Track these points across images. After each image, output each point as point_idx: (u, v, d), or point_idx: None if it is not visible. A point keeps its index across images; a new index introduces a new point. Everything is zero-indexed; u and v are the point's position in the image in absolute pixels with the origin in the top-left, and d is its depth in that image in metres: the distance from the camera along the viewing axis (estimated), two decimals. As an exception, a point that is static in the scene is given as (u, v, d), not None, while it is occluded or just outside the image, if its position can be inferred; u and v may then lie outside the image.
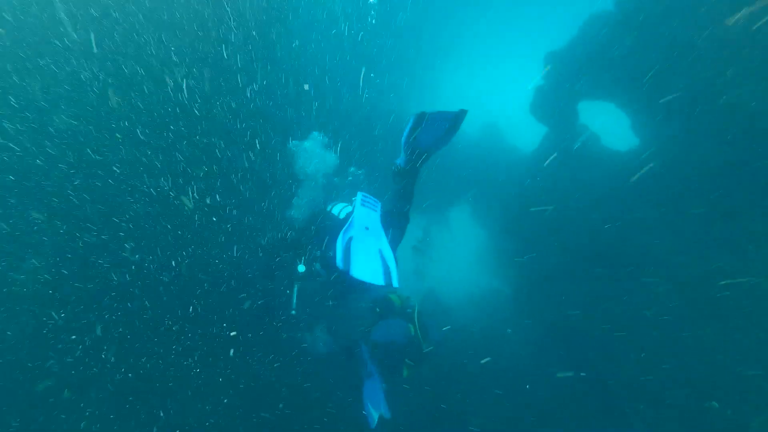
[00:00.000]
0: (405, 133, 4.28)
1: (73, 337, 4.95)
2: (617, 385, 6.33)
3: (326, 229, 4.84)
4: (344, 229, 4.15)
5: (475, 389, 7.42)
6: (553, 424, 6.75)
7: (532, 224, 8.73)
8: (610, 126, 8.98)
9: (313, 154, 6.77)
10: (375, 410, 5.17)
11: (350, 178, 7.52)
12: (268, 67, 7.25)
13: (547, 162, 8.31)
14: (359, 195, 4.45)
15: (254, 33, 6.93)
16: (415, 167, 4.49)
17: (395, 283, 3.93)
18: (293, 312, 5.04)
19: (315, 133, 6.99)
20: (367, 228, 4.24)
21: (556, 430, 6.68)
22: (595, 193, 7.63)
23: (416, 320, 5.73)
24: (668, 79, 6.49)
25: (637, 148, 7.52)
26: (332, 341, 6.15)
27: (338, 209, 5.07)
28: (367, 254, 4.05)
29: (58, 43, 5.05)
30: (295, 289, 5.02)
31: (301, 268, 4.86)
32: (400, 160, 4.50)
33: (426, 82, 13.03)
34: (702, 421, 5.36)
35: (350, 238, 4.10)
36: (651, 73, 6.62)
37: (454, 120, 4.20)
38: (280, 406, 5.89)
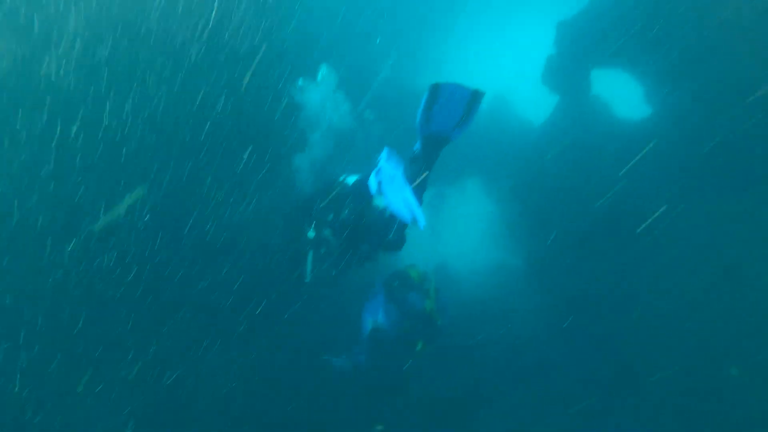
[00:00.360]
0: (420, 111, 4.14)
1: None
2: (633, 354, 6.31)
3: (341, 194, 4.81)
4: (374, 172, 4.24)
5: (488, 366, 7.45)
6: (569, 397, 6.79)
7: (544, 196, 8.62)
8: (623, 94, 8.76)
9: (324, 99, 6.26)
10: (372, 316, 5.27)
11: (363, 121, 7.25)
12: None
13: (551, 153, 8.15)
14: (386, 149, 4.38)
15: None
16: (431, 157, 4.38)
17: (422, 223, 3.96)
18: (307, 280, 5.00)
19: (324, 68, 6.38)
20: (393, 178, 4.20)
21: (571, 402, 6.72)
22: (609, 163, 7.49)
23: (433, 297, 5.74)
24: (683, 44, 6.32)
25: (651, 116, 7.37)
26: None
27: (352, 180, 4.98)
28: (396, 195, 4.08)
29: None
30: (309, 256, 4.95)
31: (311, 233, 4.82)
32: (417, 147, 4.38)
33: (429, 54, 12.67)
34: (721, 388, 5.34)
35: (380, 182, 4.16)
36: (665, 38, 6.44)
37: (471, 99, 4.06)
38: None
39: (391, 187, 4.12)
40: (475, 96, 4.07)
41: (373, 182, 4.28)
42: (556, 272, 8.20)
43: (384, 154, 4.33)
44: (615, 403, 6.50)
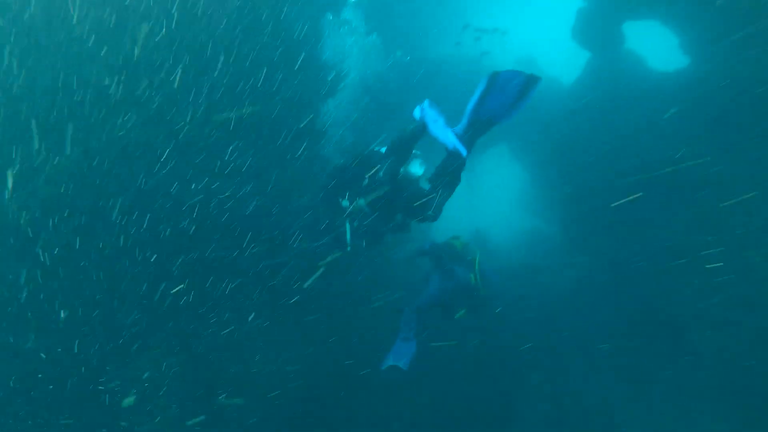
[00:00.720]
0: (474, 99, 4.08)
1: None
2: (679, 314, 6.20)
3: (375, 158, 4.82)
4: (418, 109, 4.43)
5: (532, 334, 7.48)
6: (616, 358, 6.77)
7: (577, 159, 8.43)
8: (657, 46, 8.40)
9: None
10: (393, 360, 5.23)
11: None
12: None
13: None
14: (426, 101, 4.45)
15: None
16: (472, 139, 4.32)
17: (464, 153, 4.15)
18: (348, 249, 5.01)
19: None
20: (435, 120, 4.34)
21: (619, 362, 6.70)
22: (644, 120, 7.25)
23: (477, 270, 5.84)
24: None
25: (687, 68, 7.06)
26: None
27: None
28: (438, 129, 4.30)
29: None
30: (348, 226, 4.93)
31: (345, 203, 4.81)
32: (460, 129, 4.30)
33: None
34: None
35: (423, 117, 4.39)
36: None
37: (525, 84, 3.95)
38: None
39: (434, 125, 4.29)
40: (530, 81, 3.95)
41: (416, 113, 4.44)
42: (591, 236, 8.08)
43: (425, 103, 4.41)
44: (655, 367, 6.47)
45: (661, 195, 6.69)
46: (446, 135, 4.22)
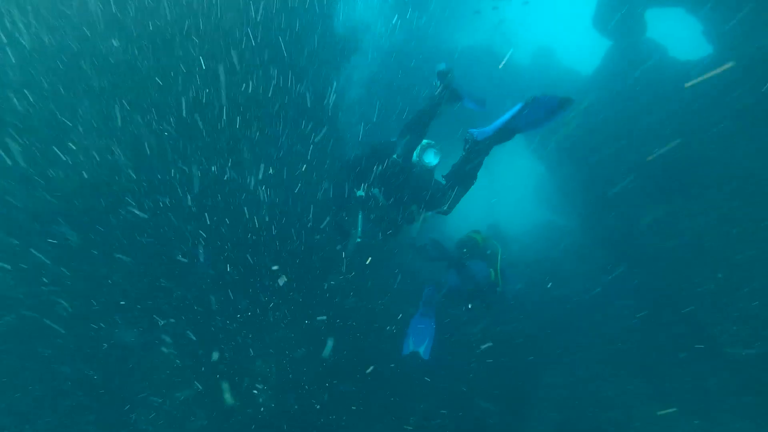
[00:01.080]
0: (507, 116, 4.11)
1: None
2: (700, 307, 6.05)
3: (388, 148, 4.86)
4: None
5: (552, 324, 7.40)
6: (636, 352, 6.65)
7: (594, 151, 8.26)
8: (680, 34, 8.19)
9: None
10: (414, 345, 5.37)
11: None
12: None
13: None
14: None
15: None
16: (491, 145, 4.39)
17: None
18: (358, 240, 5.05)
19: None
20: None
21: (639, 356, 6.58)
22: (666, 109, 7.07)
23: (498, 266, 5.85)
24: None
25: (711, 55, 6.85)
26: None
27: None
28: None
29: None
30: (360, 216, 4.97)
31: (360, 192, 4.82)
32: (481, 135, 4.32)
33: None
34: None
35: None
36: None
37: (558, 105, 4.01)
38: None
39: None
40: (564, 103, 4.00)
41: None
42: (609, 230, 7.93)
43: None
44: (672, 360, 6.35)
45: (682, 186, 6.56)
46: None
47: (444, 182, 4.65)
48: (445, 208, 4.63)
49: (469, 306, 5.73)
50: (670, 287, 6.55)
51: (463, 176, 4.54)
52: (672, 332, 6.52)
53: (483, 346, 6.59)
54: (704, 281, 6.06)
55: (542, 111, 4.07)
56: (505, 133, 4.26)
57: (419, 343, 5.44)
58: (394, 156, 4.62)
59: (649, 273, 6.95)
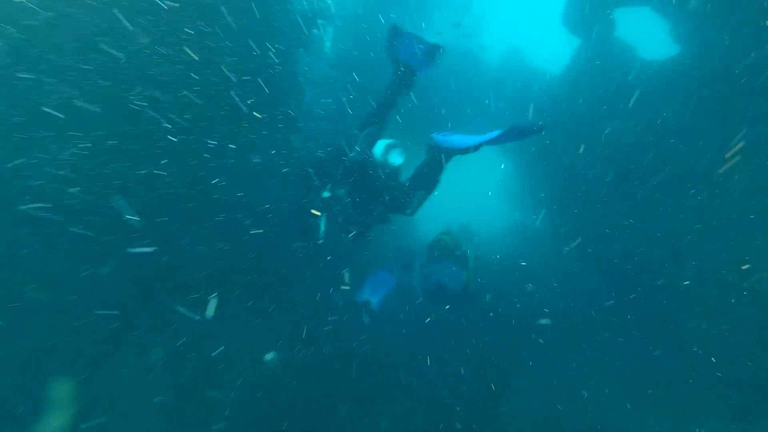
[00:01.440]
0: (478, 141, 4.13)
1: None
2: (673, 304, 6.04)
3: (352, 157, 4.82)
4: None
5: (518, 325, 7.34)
6: (609, 351, 6.63)
7: (564, 152, 8.26)
8: (648, 33, 8.25)
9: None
10: (368, 293, 5.53)
11: None
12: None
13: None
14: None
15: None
16: (454, 155, 4.54)
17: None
18: (320, 241, 5.00)
19: None
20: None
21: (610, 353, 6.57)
22: (632, 109, 7.08)
23: (470, 267, 5.94)
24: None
25: (677, 56, 6.90)
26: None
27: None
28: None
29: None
30: (323, 218, 4.93)
31: (326, 194, 4.79)
32: (445, 144, 4.41)
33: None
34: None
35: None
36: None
37: (530, 131, 4.19)
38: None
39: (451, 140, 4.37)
40: (535, 129, 4.13)
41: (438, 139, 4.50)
42: (578, 230, 7.93)
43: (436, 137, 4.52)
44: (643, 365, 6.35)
45: (652, 185, 6.56)
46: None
47: (408, 184, 4.67)
48: (408, 211, 4.68)
49: (446, 307, 5.85)
50: (642, 285, 6.55)
51: (426, 180, 4.61)
52: (645, 331, 6.54)
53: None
54: (676, 279, 6.06)
55: (515, 137, 4.15)
56: (470, 150, 4.31)
57: (374, 293, 5.54)
58: (352, 154, 4.61)
59: (621, 272, 6.95)
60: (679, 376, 5.94)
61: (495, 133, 3.99)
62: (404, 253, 6.65)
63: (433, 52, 4.62)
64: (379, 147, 4.77)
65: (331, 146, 5.02)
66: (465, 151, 4.30)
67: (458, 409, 6.28)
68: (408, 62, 4.74)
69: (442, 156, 4.52)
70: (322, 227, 4.92)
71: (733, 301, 5.34)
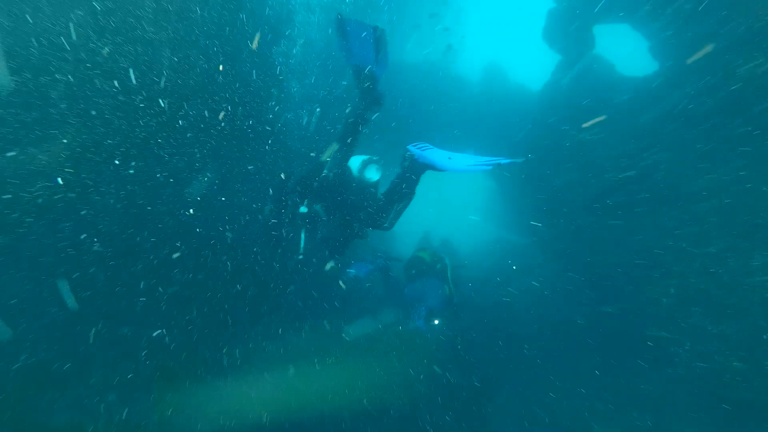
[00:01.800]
0: (459, 169, 4.27)
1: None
2: (655, 322, 5.97)
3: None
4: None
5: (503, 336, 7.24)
6: (590, 366, 6.54)
7: (545, 168, 8.23)
8: (627, 50, 8.33)
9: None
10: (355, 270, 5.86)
11: None
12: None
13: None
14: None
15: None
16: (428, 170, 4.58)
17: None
18: (300, 257, 4.97)
19: None
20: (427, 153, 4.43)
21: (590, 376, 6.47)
22: (611, 126, 7.09)
23: (450, 279, 5.94)
24: None
25: (655, 73, 6.94)
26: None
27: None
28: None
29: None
30: (303, 233, 4.91)
31: (303, 209, 4.76)
32: (421, 159, 4.46)
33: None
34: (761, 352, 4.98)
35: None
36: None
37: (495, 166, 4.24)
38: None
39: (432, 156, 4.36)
40: (498, 166, 4.19)
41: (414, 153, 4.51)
42: (563, 245, 7.87)
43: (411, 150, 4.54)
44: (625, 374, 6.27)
45: (633, 201, 6.53)
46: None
47: (383, 202, 4.67)
48: (386, 225, 4.63)
49: (435, 322, 5.74)
50: (625, 302, 6.48)
51: (402, 193, 4.58)
52: (627, 346, 6.45)
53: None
54: (658, 296, 6.01)
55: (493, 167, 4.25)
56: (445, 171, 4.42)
57: (360, 270, 5.79)
58: (325, 171, 4.59)
59: (603, 288, 6.89)
60: (660, 392, 5.87)
61: (474, 167, 4.12)
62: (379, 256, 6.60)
63: (380, 36, 4.59)
64: (355, 163, 4.76)
65: (307, 161, 4.93)
66: (440, 170, 4.33)
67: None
68: (362, 56, 4.67)
69: (417, 170, 4.50)
70: (302, 243, 4.88)
71: (709, 320, 5.30)
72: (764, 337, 4.91)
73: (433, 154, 4.36)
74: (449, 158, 4.26)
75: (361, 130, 4.71)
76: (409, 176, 4.52)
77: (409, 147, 4.47)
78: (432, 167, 4.37)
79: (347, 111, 4.86)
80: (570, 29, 7.60)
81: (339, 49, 4.76)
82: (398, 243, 12.40)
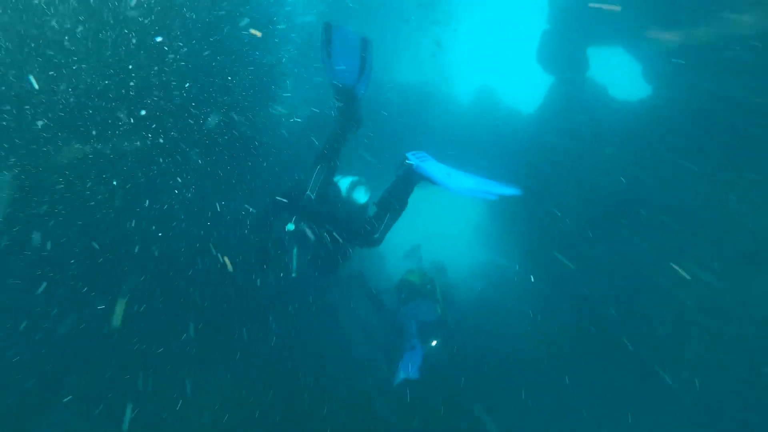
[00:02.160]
0: (456, 190, 4.17)
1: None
2: (653, 354, 5.78)
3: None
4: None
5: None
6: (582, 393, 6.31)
7: (536, 193, 8.11)
8: (621, 73, 8.33)
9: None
10: (404, 373, 5.15)
11: None
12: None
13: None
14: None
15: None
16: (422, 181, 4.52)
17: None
18: (293, 275, 4.85)
19: None
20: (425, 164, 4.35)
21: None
22: (603, 149, 7.01)
23: (440, 299, 5.96)
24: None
25: (649, 98, 6.91)
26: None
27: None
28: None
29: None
30: (294, 252, 4.80)
31: (290, 227, 4.63)
32: (419, 169, 4.36)
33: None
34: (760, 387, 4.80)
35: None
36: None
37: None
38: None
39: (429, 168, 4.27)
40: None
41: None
42: (553, 272, 7.71)
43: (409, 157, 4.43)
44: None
45: (626, 225, 6.42)
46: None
47: (374, 211, 4.58)
48: (376, 236, 4.49)
49: (433, 343, 5.69)
50: (617, 328, 6.28)
51: (394, 202, 4.47)
52: (620, 374, 6.25)
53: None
54: (654, 325, 5.85)
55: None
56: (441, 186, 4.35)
57: (408, 371, 5.21)
58: (308, 191, 4.54)
59: (595, 314, 6.70)
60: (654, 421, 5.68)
61: (473, 192, 4.03)
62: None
63: (366, 52, 4.52)
64: (344, 184, 4.72)
65: (294, 179, 4.82)
66: (437, 184, 4.21)
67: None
68: (345, 73, 4.60)
69: (413, 179, 4.40)
70: (294, 262, 4.78)
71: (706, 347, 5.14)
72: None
73: (431, 166, 4.25)
74: (448, 174, 4.13)
75: (341, 149, 4.66)
76: (402, 186, 4.42)
77: (408, 154, 4.38)
78: (428, 180, 4.26)
79: (328, 131, 4.77)
80: (563, 51, 7.58)
81: (321, 61, 4.65)
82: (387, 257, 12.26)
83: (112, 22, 4.46)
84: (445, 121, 10.42)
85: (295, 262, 4.82)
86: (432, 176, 4.18)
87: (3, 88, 4.06)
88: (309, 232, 4.60)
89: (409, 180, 4.41)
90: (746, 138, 5.27)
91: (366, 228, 4.44)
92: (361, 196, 4.69)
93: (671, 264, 5.66)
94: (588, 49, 7.57)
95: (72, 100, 4.33)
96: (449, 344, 5.99)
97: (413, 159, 4.34)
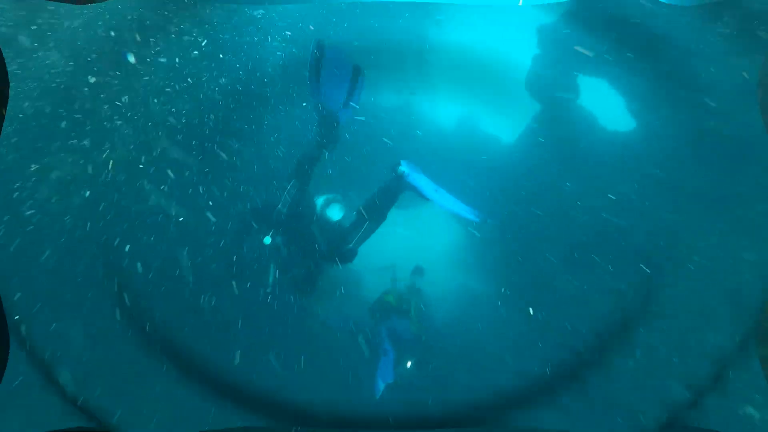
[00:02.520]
0: (447, 208, 4.74)
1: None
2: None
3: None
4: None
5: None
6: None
7: (520, 222, 8.12)
8: (608, 104, 8.43)
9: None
10: (382, 380, 5.29)
11: None
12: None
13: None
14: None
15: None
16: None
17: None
18: (268, 290, 4.87)
19: None
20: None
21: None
22: (591, 181, 7.06)
23: (415, 318, 6.06)
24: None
25: (635, 129, 7.00)
26: None
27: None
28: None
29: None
30: (271, 268, 4.88)
31: (267, 240, 4.76)
32: (413, 180, 4.69)
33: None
34: None
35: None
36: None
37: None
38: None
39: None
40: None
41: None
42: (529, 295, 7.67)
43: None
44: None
45: (610, 253, 6.41)
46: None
47: (352, 221, 4.73)
48: (350, 246, 4.69)
49: (408, 365, 5.73)
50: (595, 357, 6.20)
51: (375, 210, 4.72)
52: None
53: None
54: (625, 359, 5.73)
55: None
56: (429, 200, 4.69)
57: (386, 377, 5.44)
58: (279, 206, 4.60)
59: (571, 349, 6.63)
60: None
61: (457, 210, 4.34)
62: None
63: (357, 81, 4.71)
64: (318, 201, 4.86)
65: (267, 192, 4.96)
66: (424, 197, 4.13)
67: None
68: (332, 96, 4.75)
69: (400, 186, 4.66)
70: (271, 275, 4.83)
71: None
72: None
73: (421, 180, 4.31)
74: (435, 190, 4.20)
75: (314, 166, 4.76)
76: (386, 195, 4.66)
77: (402, 162, 4.63)
78: (417, 192, 4.27)
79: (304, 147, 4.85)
80: (552, 78, 7.67)
81: (309, 80, 4.69)
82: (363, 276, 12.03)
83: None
84: (426, 146, 10.41)
85: (272, 276, 4.83)
86: (421, 188, 4.26)
87: None
88: (283, 247, 4.71)
89: (395, 189, 4.57)
90: (736, 176, 5.37)
91: (339, 238, 4.57)
92: (336, 214, 4.87)
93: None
94: (579, 76, 7.68)
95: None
96: (424, 364, 5.99)
97: (406, 167, 4.41)
